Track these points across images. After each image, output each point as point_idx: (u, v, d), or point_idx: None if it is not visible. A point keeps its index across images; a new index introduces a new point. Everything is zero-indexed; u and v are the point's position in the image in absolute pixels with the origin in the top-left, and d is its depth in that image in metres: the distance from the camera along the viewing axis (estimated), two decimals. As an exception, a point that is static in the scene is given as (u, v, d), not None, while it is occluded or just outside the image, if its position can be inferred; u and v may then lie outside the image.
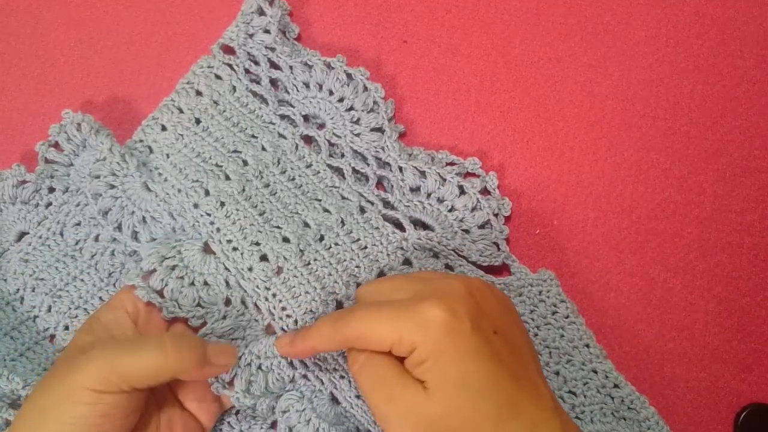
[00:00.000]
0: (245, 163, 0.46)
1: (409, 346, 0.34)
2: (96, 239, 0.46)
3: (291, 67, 0.49)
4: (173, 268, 0.42)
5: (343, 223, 0.45)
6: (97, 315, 0.40)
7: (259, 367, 0.42)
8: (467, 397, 0.33)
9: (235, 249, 0.44)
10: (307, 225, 0.45)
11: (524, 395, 0.34)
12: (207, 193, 0.45)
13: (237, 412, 0.44)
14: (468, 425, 0.33)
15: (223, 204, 0.45)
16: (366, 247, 0.44)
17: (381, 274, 0.44)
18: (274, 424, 0.44)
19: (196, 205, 0.45)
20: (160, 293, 0.41)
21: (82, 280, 0.46)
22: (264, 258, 0.43)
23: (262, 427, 0.44)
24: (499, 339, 0.35)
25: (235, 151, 0.47)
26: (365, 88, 0.48)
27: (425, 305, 0.34)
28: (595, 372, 0.44)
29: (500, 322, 0.36)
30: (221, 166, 0.46)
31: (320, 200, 0.46)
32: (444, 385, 0.34)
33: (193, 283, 0.42)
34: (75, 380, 0.35)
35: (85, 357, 0.36)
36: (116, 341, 0.38)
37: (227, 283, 0.43)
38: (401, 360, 0.35)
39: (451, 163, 0.48)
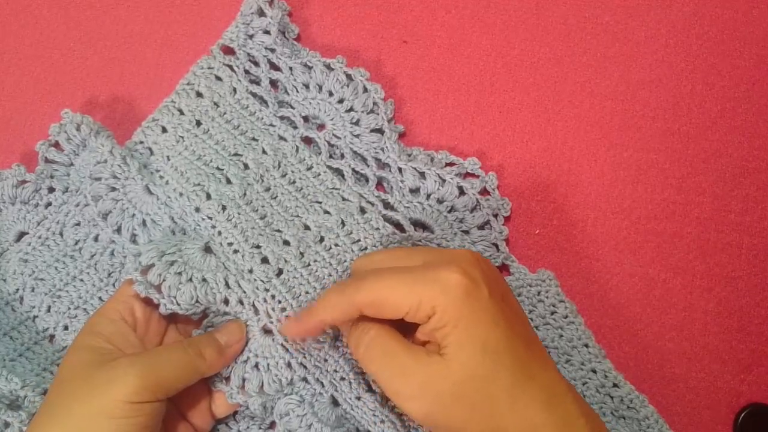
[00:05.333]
0: (246, 166, 0.46)
1: (429, 310, 0.34)
2: (95, 239, 0.46)
3: (291, 68, 0.49)
4: (172, 263, 0.41)
5: (343, 224, 0.45)
6: (98, 330, 0.39)
7: (256, 366, 0.42)
8: (486, 362, 0.33)
9: (236, 251, 0.44)
10: (307, 228, 0.45)
11: (535, 359, 0.35)
12: (209, 196, 0.45)
13: (235, 413, 0.44)
14: (487, 389, 0.33)
15: (224, 208, 0.45)
16: (366, 248, 0.44)
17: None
18: (273, 425, 0.44)
19: (197, 209, 0.45)
20: (158, 288, 0.41)
21: (82, 280, 0.46)
22: (265, 260, 0.43)
23: (260, 428, 0.44)
24: (506, 304, 0.36)
25: (235, 155, 0.47)
26: (365, 89, 0.48)
27: (444, 270, 0.34)
28: (595, 371, 0.44)
29: (504, 289, 0.37)
30: (222, 170, 0.46)
31: (321, 202, 0.46)
32: (464, 350, 0.33)
33: (191, 280, 0.42)
34: (110, 395, 0.35)
35: (117, 372, 0.36)
36: (143, 353, 0.38)
37: (226, 283, 0.43)
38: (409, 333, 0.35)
39: (451, 164, 0.48)
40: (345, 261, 0.44)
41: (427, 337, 0.35)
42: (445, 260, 0.35)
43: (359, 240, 0.45)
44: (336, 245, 0.44)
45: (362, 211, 0.46)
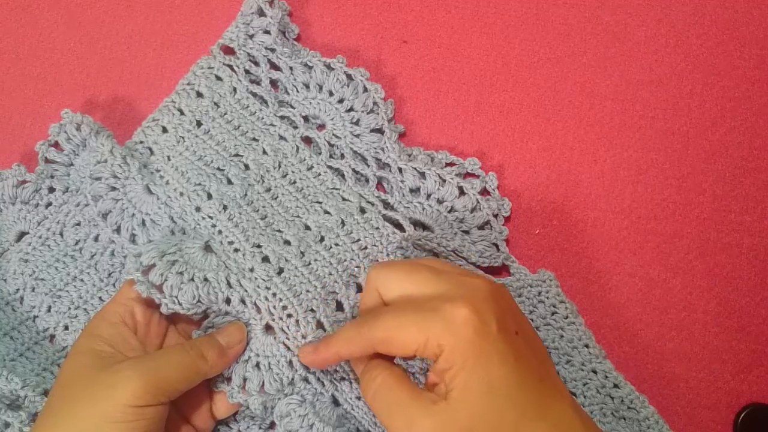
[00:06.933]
0: (247, 167, 0.46)
1: (436, 349, 0.33)
2: (96, 239, 0.46)
3: (291, 68, 0.49)
4: (173, 263, 0.41)
5: (343, 223, 0.45)
6: (98, 333, 0.39)
7: (257, 365, 0.42)
8: (493, 404, 0.33)
9: (236, 250, 0.44)
10: (307, 228, 0.45)
11: (548, 393, 0.34)
12: (210, 196, 0.45)
13: (235, 413, 0.44)
14: (494, 430, 0.33)
15: (225, 207, 0.45)
16: (366, 248, 0.44)
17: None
18: (273, 425, 0.44)
19: (198, 209, 0.45)
20: (159, 288, 0.41)
21: (82, 280, 0.46)
22: (266, 259, 0.43)
23: (260, 428, 0.44)
24: (520, 339, 0.35)
25: (236, 155, 0.47)
26: (365, 89, 0.48)
27: (452, 306, 0.33)
28: (595, 372, 0.44)
29: (520, 321, 0.36)
30: (223, 170, 0.46)
31: (321, 202, 0.46)
32: (470, 392, 0.33)
33: (192, 279, 0.42)
34: (113, 400, 0.35)
35: (119, 375, 0.36)
36: (145, 356, 0.38)
37: (228, 282, 0.43)
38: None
39: (451, 164, 0.48)
40: (345, 261, 0.44)
41: (438, 378, 0.34)
42: (455, 294, 0.34)
43: (359, 239, 0.45)
44: (336, 245, 0.44)
45: (362, 211, 0.46)
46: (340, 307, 0.44)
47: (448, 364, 0.33)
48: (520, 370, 0.33)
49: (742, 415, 0.45)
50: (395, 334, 0.34)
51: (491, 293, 0.35)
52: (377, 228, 0.45)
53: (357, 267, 0.44)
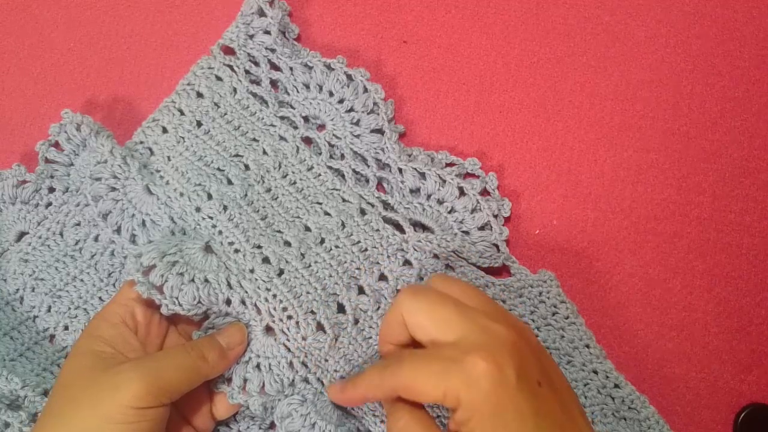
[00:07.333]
0: (247, 167, 0.46)
1: (455, 401, 0.33)
2: (96, 239, 0.46)
3: (291, 69, 0.49)
4: (174, 264, 0.41)
5: (343, 225, 0.45)
6: (99, 333, 0.39)
7: (257, 366, 0.42)
8: None
9: (237, 251, 0.44)
10: (308, 229, 0.45)
11: None
12: (210, 196, 0.45)
13: (235, 413, 0.44)
14: None
15: (226, 208, 0.45)
16: (366, 250, 0.44)
17: (382, 276, 0.44)
18: (273, 425, 0.44)
19: (198, 209, 0.45)
20: (159, 289, 0.41)
21: (82, 280, 0.46)
22: (266, 260, 0.43)
23: (260, 428, 0.44)
24: (544, 389, 0.34)
25: (236, 155, 0.47)
26: (365, 89, 0.48)
27: (471, 358, 0.33)
28: (596, 372, 0.44)
29: (545, 369, 0.36)
30: (223, 171, 0.46)
31: (321, 203, 0.46)
32: None
33: (193, 280, 0.41)
34: (115, 401, 0.35)
35: (121, 377, 0.36)
36: (146, 357, 0.38)
37: (228, 283, 0.43)
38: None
39: (451, 164, 0.48)
40: (345, 263, 0.44)
41: (457, 427, 0.34)
42: (476, 342, 0.34)
43: (359, 242, 0.45)
44: (336, 247, 0.44)
45: (362, 212, 0.46)
46: (341, 309, 0.44)
47: (466, 416, 0.33)
48: (538, 424, 0.33)
49: (742, 415, 0.45)
50: (414, 384, 0.34)
51: (514, 343, 0.35)
52: (377, 230, 0.45)
53: (357, 269, 0.44)
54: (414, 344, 0.38)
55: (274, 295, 0.42)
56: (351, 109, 0.48)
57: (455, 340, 0.35)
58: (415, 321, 0.36)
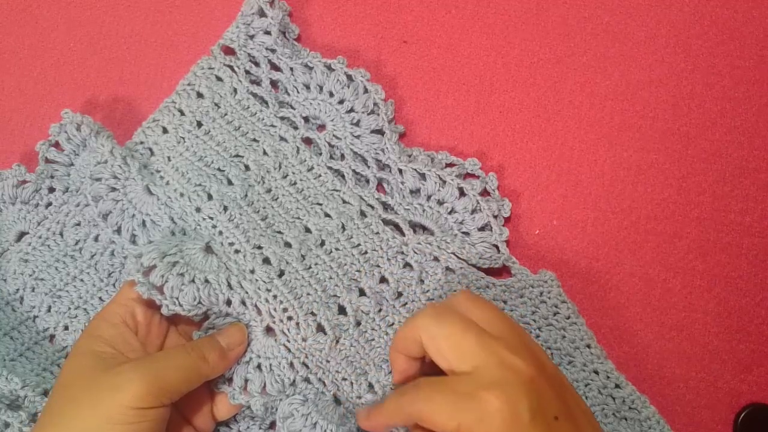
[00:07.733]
0: (247, 168, 0.46)
1: None
2: (96, 239, 0.46)
3: (291, 69, 0.49)
4: (174, 264, 0.41)
5: (343, 228, 0.45)
6: (99, 334, 0.39)
7: (258, 366, 0.42)
8: None
9: (237, 251, 0.44)
10: (308, 230, 0.45)
11: None
12: (210, 197, 0.45)
13: (236, 414, 0.44)
14: None
15: (226, 208, 0.45)
16: (366, 252, 0.45)
17: (382, 278, 0.44)
18: (273, 425, 0.44)
19: (198, 209, 0.45)
20: (160, 290, 0.41)
21: (82, 280, 0.46)
22: (266, 261, 0.43)
23: (261, 428, 0.44)
24: (561, 423, 0.34)
25: (236, 156, 0.47)
26: (365, 90, 0.48)
27: (486, 395, 0.33)
28: (597, 373, 0.44)
29: (564, 401, 0.36)
30: (223, 171, 0.46)
31: (321, 204, 0.46)
32: None
33: (193, 281, 0.42)
34: (116, 402, 0.35)
35: (121, 377, 0.36)
36: (146, 358, 0.38)
37: (229, 284, 0.43)
38: None
39: (451, 164, 0.48)
40: (346, 265, 0.44)
41: None
42: (492, 378, 0.34)
43: (359, 245, 0.45)
44: (337, 249, 0.44)
45: (362, 215, 0.46)
46: (342, 311, 0.44)
47: None
48: None
49: (742, 415, 0.45)
50: (430, 415, 0.34)
51: (532, 378, 0.35)
52: (377, 233, 0.45)
53: (358, 271, 0.44)
54: (425, 358, 0.38)
55: (275, 296, 0.42)
56: (351, 110, 0.48)
57: (472, 370, 0.35)
58: (434, 345, 0.36)
